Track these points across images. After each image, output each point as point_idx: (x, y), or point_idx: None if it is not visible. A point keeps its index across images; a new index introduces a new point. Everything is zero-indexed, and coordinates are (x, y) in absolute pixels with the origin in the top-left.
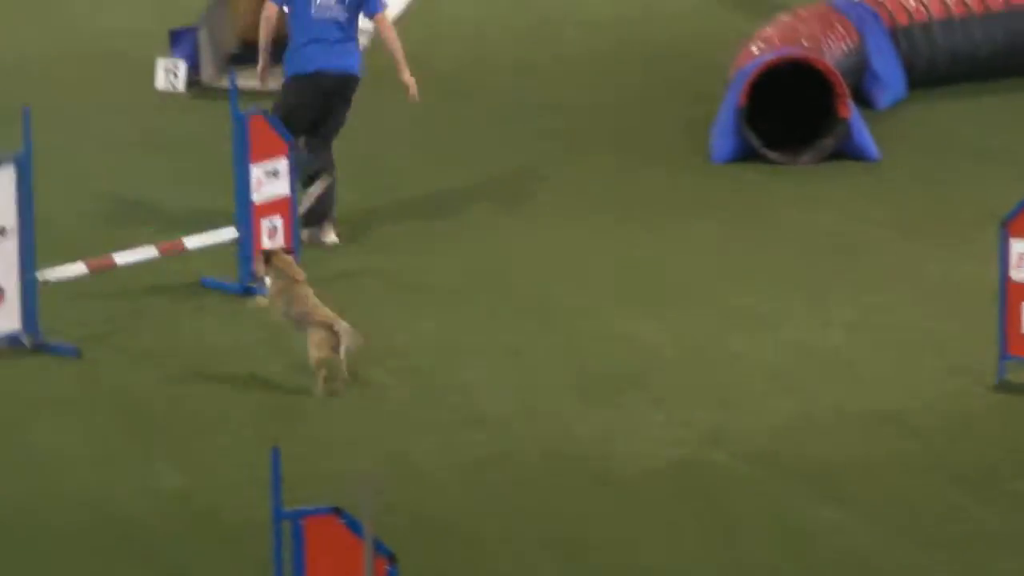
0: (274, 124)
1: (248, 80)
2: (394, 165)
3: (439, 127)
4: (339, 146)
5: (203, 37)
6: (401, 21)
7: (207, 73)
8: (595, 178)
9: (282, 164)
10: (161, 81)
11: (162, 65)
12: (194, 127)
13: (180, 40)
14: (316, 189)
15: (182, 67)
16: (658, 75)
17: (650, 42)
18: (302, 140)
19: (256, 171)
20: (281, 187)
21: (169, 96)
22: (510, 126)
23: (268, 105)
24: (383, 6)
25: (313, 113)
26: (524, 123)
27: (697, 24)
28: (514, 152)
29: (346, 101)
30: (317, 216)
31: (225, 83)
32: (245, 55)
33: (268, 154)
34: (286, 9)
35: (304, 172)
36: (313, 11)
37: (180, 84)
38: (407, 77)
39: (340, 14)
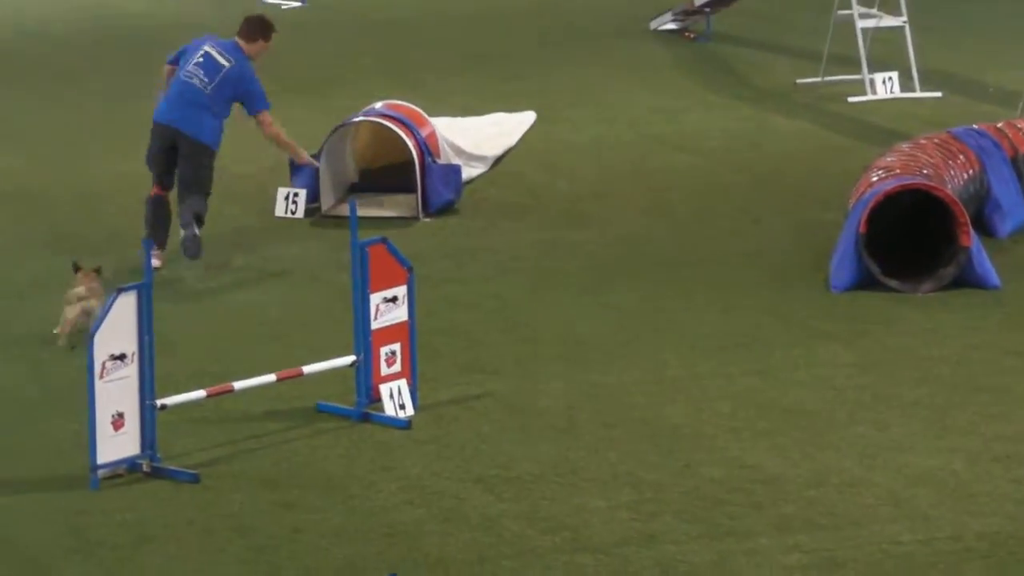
0: (393, 252)
1: (368, 209)
2: (508, 290)
3: (558, 254)
4: (449, 269)
5: (323, 166)
6: (518, 149)
7: (326, 202)
8: (709, 302)
9: (401, 291)
10: (281, 209)
11: (282, 194)
12: (313, 255)
13: (300, 169)
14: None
15: (302, 195)
16: (772, 200)
17: (763, 166)
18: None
19: (375, 298)
20: (400, 313)
21: (288, 224)
22: (625, 252)
23: (388, 233)
24: (265, 106)
25: (160, 157)
26: (638, 248)
27: (810, 149)
28: (630, 278)
29: (185, 158)
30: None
31: (344, 211)
32: (364, 185)
33: (387, 282)
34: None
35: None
36: (183, 73)
37: (299, 212)
38: (306, 158)
39: (205, 87)
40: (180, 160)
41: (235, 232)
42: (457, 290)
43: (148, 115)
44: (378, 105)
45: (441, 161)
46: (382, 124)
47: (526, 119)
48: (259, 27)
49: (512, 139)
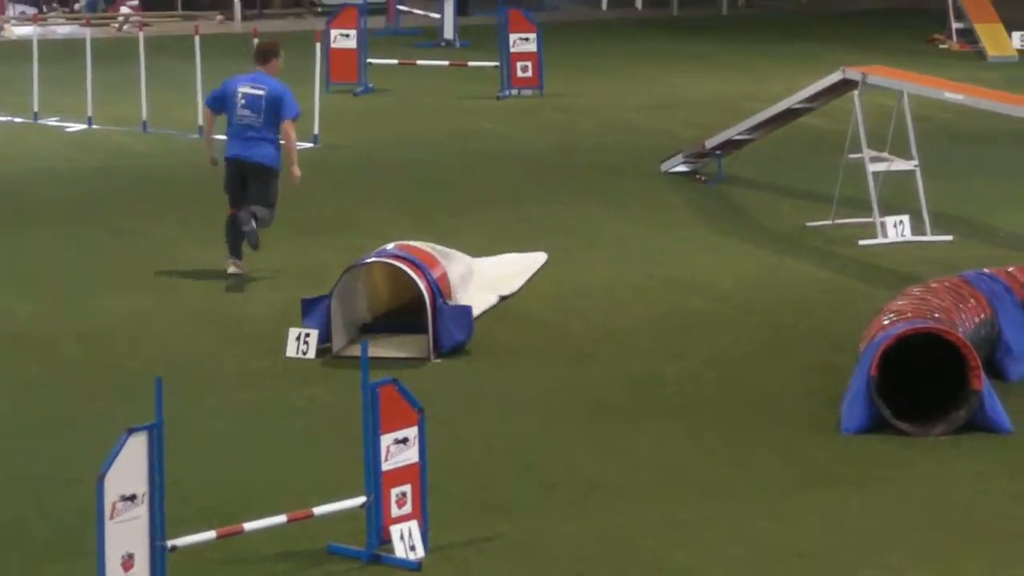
0: (404, 393)
1: (379, 350)
2: (520, 431)
3: (569, 395)
4: (460, 410)
5: (335, 307)
6: (527, 288)
7: (338, 342)
8: (720, 445)
9: (412, 432)
10: (292, 349)
11: (293, 334)
12: (323, 395)
13: (312, 309)
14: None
15: (313, 336)
16: (783, 342)
17: (774, 308)
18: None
19: (386, 439)
20: (411, 454)
21: (299, 364)
22: (636, 394)
23: (399, 374)
24: (294, 116)
25: (233, 184)
26: (649, 390)
27: (821, 292)
28: (640, 420)
29: (255, 181)
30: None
31: (356, 352)
32: (376, 325)
33: (398, 423)
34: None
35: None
36: (235, 119)
37: (311, 352)
38: (295, 170)
39: (257, 120)
40: (250, 183)
41: (245, 372)
42: (468, 431)
43: (153, 251)
44: (390, 246)
45: (452, 302)
46: (394, 265)
47: (537, 259)
48: (269, 51)
49: (523, 279)
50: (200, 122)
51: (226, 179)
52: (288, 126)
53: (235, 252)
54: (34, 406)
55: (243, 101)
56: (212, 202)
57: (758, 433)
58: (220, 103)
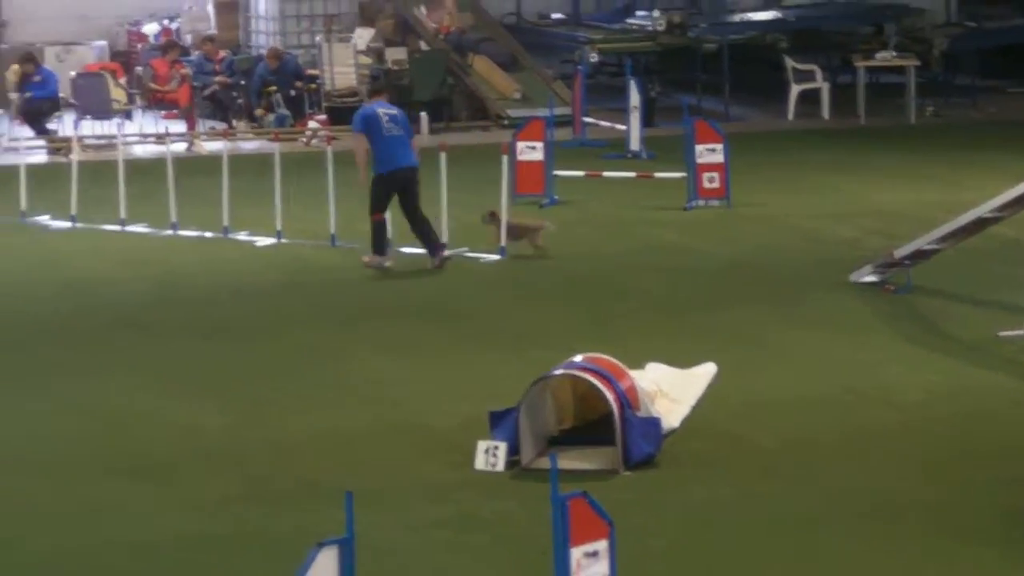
0: (594, 506)
1: (568, 462)
2: (711, 545)
3: (760, 508)
4: (650, 524)
5: (523, 419)
6: (715, 398)
7: (526, 455)
8: (915, 558)
9: (602, 546)
10: (481, 462)
11: (482, 447)
12: (513, 508)
13: (500, 422)
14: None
15: (502, 449)
16: (971, 453)
17: (964, 420)
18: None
19: (576, 553)
20: (600, 568)
21: (488, 477)
22: (828, 505)
23: (588, 486)
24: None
25: (391, 196)
26: (840, 501)
27: (1011, 404)
28: (834, 532)
29: (415, 183)
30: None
31: (545, 465)
32: (564, 438)
33: (588, 536)
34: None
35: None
36: (386, 134)
37: (499, 465)
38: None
39: (404, 132)
40: (411, 187)
41: (434, 485)
42: (659, 544)
43: (339, 365)
44: (578, 358)
45: (640, 414)
46: (582, 377)
47: (708, 371)
48: (382, 85)
49: (699, 391)
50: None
51: (388, 193)
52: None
53: (384, 250)
54: (226, 521)
55: (388, 122)
56: (402, 316)
57: (949, 552)
58: (367, 128)
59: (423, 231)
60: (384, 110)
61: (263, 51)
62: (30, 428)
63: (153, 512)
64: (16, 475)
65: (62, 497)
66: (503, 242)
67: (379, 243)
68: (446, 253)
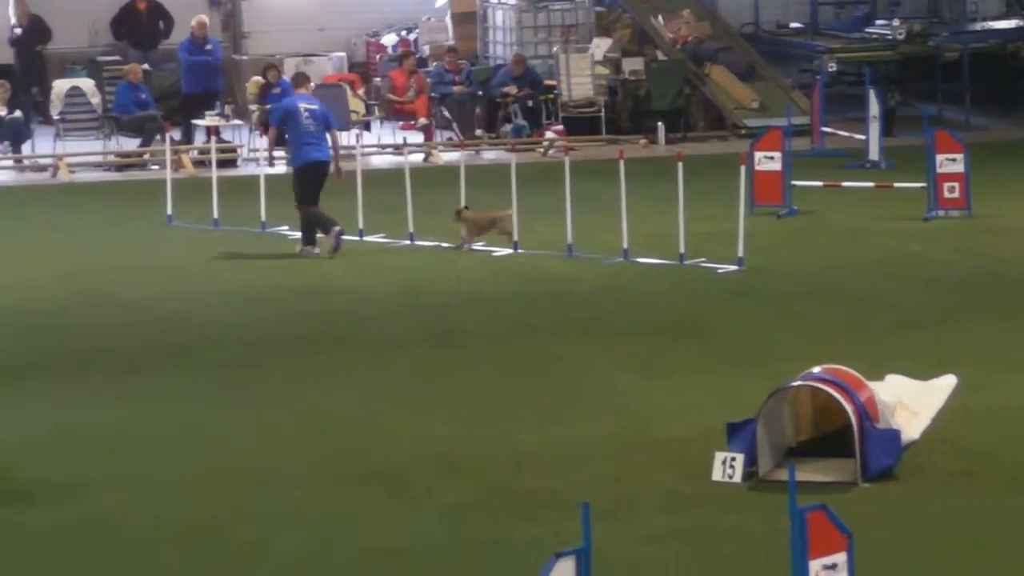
0: (832, 519)
1: (806, 474)
2: (953, 560)
3: (1006, 522)
4: (888, 537)
5: (761, 431)
6: (957, 411)
7: (764, 466)
8: None
9: (841, 558)
10: (718, 473)
11: (719, 458)
12: (750, 520)
13: (737, 433)
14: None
15: (739, 460)
16: None
17: None
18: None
19: (814, 565)
20: None
21: (725, 489)
22: None
23: (826, 499)
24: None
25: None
26: None
27: None
28: None
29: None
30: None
31: (783, 476)
32: (802, 449)
33: (827, 549)
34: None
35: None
36: (302, 128)
37: (737, 476)
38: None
39: (319, 127)
40: (322, 181)
41: (671, 497)
42: (899, 559)
43: (574, 375)
44: (816, 369)
45: (880, 426)
46: (820, 388)
47: (949, 382)
48: (302, 78)
49: (940, 403)
50: (624, 245)
51: (315, 185)
52: (335, 133)
53: (328, 229)
54: (464, 530)
55: (307, 116)
56: (639, 328)
57: None
58: (283, 121)
59: (311, 217)
60: (305, 104)
61: (500, 62)
62: (276, 437)
63: (407, 518)
64: (269, 485)
65: (315, 504)
66: (472, 239)
67: (321, 222)
68: (308, 248)
